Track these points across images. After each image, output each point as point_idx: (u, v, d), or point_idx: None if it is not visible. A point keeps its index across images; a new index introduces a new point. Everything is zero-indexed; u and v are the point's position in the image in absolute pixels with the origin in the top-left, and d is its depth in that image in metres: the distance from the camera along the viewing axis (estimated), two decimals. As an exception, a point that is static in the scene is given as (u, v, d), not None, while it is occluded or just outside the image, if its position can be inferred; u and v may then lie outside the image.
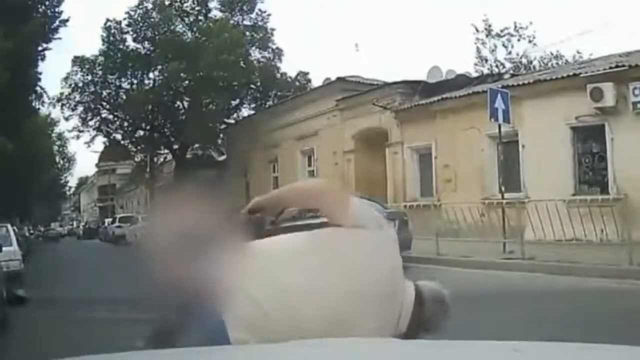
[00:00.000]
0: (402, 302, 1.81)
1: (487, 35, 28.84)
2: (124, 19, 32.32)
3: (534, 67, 27.75)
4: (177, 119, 33.14)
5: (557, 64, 27.46)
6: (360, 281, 1.72)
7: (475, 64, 29.04)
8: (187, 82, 31.39)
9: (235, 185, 27.86)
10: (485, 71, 26.83)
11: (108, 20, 32.47)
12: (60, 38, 22.67)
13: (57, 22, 22.05)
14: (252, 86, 32.89)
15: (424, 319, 1.82)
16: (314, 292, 1.69)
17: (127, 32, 32.42)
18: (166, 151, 36.45)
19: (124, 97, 32.98)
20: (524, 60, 29.00)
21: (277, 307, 1.68)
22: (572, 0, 54.82)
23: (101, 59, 32.59)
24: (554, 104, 14.51)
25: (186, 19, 33.33)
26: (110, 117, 34.88)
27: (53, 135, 47.93)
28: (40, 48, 21.78)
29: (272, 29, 33.88)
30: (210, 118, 31.34)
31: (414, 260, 10.42)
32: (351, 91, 22.28)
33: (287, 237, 1.83)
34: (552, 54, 28.95)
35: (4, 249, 9.42)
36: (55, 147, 53.30)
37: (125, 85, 33.46)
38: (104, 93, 33.69)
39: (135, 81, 33.32)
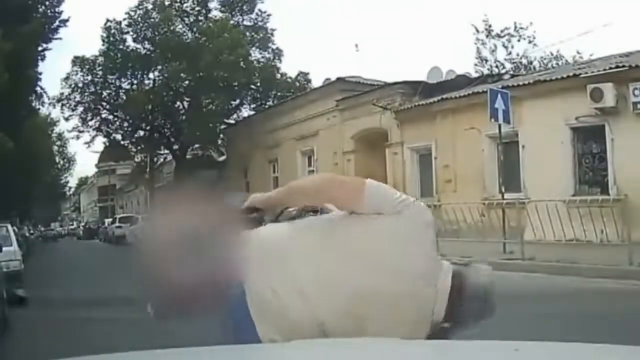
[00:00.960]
0: (436, 289, 1.70)
1: (487, 36, 28.85)
2: (124, 19, 32.44)
3: (534, 68, 27.74)
4: (177, 119, 33.16)
5: (557, 64, 27.45)
6: (377, 272, 1.66)
7: (476, 65, 29.07)
8: (187, 82, 31.43)
9: (236, 185, 27.85)
10: (486, 72, 26.81)
11: (108, 20, 32.59)
12: (60, 38, 22.77)
13: (57, 22, 22.12)
14: (252, 86, 32.90)
15: (463, 308, 1.72)
16: (326, 284, 1.66)
17: (127, 32, 32.48)
18: (166, 151, 36.46)
19: (124, 97, 33.01)
20: (524, 61, 29.02)
21: (291, 296, 1.67)
22: (572, 0, 54.81)
23: (101, 59, 32.63)
24: (554, 104, 14.50)
25: (186, 19, 33.36)
26: (110, 117, 34.92)
27: (53, 135, 48.03)
28: (40, 48, 21.81)
29: (272, 29, 33.99)
30: (210, 118, 31.34)
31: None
32: (351, 91, 22.27)
33: (299, 225, 1.79)
34: (552, 54, 28.96)
35: (4, 249, 9.42)
36: (55, 147, 53.35)
37: (125, 85, 33.53)
38: (104, 93, 33.73)
39: (135, 81, 33.37)
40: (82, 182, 79.69)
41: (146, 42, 32.36)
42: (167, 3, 32.55)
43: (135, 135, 35.52)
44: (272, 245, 1.75)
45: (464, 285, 1.74)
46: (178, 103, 33.77)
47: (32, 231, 45.64)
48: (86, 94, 33.37)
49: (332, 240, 1.72)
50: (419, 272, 1.69)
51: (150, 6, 32.30)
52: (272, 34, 33.80)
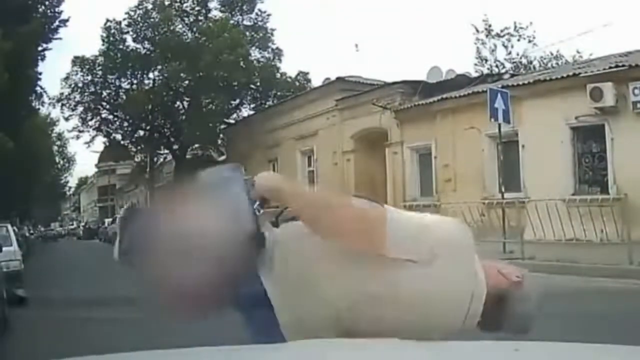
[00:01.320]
0: (471, 294, 1.58)
1: (487, 36, 28.86)
2: (124, 19, 32.44)
3: (534, 67, 27.74)
4: (177, 119, 33.17)
5: (557, 64, 27.45)
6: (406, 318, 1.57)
7: (475, 64, 29.08)
8: (187, 82, 31.43)
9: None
10: (485, 71, 26.79)
11: (108, 20, 32.59)
12: (60, 38, 22.74)
13: (57, 22, 22.09)
14: (252, 86, 32.90)
15: (502, 317, 1.63)
16: (330, 286, 1.63)
17: (127, 32, 32.48)
18: (166, 151, 36.46)
19: (124, 97, 33.02)
20: (524, 61, 29.03)
21: (297, 297, 1.67)
22: (572, 0, 54.81)
23: (101, 59, 32.64)
24: (554, 104, 14.50)
25: (186, 19, 33.36)
26: (110, 117, 34.93)
27: (53, 135, 48.04)
28: (40, 48, 21.79)
29: (272, 29, 33.99)
30: (210, 118, 31.34)
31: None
32: (351, 91, 22.26)
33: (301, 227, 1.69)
34: (552, 54, 28.97)
35: (4, 249, 9.43)
36: (55, 147, 53.37)
37: (125, 85, 33.54)
38: (104, 93, 33.74)
39: (135, 81, 33.39)
40: (82, 182, 79.70)
41: (146, 42, 32.36)
42: (167, 3, 32.54)
43: (135, 135, 35.52)
44: (275, 247, 1.74)
45: (508, 293, 1.64)
46: (178, 103, 33.78)
47: (32, 231, 45.62)
48: (86, 94, 33.38)
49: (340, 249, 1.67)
50: (456, 300, 1.59)
51: (150, 6, 32.32)
52: (272, 34, 33.85)
